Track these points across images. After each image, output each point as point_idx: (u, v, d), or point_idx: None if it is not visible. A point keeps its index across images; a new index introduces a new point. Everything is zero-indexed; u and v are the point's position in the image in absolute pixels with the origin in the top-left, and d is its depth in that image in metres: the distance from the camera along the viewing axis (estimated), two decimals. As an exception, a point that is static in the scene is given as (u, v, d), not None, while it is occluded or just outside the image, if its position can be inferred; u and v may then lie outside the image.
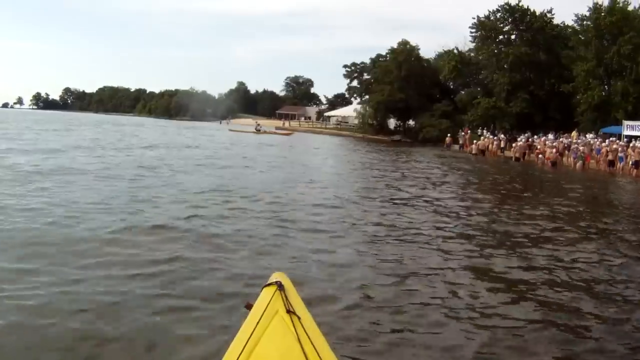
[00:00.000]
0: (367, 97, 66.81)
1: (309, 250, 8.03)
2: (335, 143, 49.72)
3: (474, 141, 40.85)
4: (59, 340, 4.66)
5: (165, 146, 31.61)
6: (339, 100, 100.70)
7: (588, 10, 44.63)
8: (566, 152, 33.41)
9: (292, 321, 2.70)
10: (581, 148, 31.75)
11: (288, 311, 2.76)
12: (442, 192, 16.54)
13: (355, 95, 75.59)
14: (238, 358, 2.50)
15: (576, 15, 46.86)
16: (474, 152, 39.10)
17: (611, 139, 33.88)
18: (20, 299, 5.36)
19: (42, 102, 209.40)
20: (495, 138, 40.60)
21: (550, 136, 38.86)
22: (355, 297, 6.02)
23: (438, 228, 10.29)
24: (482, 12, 51.74)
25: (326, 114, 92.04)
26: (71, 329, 4.84)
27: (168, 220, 9.54)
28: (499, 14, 49.12)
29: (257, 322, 2.69)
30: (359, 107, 66.78)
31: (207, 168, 19.75)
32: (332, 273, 6.92)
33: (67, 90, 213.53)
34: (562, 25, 49.08)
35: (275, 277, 3.09)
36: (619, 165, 29.43)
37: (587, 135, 37.24)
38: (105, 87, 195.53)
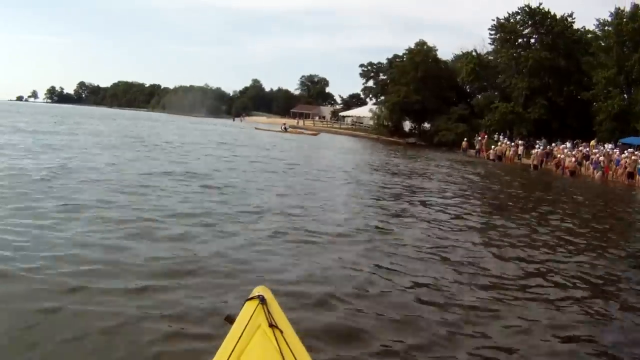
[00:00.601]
0: (382, 97, 66.60)
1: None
2: (355, 144, 49.15)
3: (492, 147, 40.38)
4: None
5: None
6: (353, 101, 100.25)
7: (610, 16, 44.17)
8: (584, 161, 33.05)
9: (275, 335, 2.70)
10: (601, 158, 31.31)
11: (270, 325, 2.76)
12: (467, 202, 16.10)
13: (370, 95, 75.46)
14: None
15: (597, 20, 46.46)
16: (491, 157, 38.70)
17: (629, 150, 33.38)
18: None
19: (57, 96, 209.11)
20: (512, 144, 40.19)
21: (568, 144, 38.30)
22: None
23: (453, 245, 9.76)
24: (502, 15, 51.32)
25: (341, 114, 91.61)
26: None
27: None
28: (519, 16, 48.68)
29: (239, 337, 2.68)
30: (374, 107, 66.49)
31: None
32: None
33: (81, 85, 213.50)
34: (582, 30, 48.59)
35: (257, 290, 3.07)
36: (638, 177, 28.97)
37: (605, 145, 36.71)
38: (120, 82, 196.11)
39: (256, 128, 60.77)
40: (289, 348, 2.64)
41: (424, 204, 14.77)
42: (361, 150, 41.81)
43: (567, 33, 47.60)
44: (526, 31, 49.63)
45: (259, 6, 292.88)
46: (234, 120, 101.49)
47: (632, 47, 41.36)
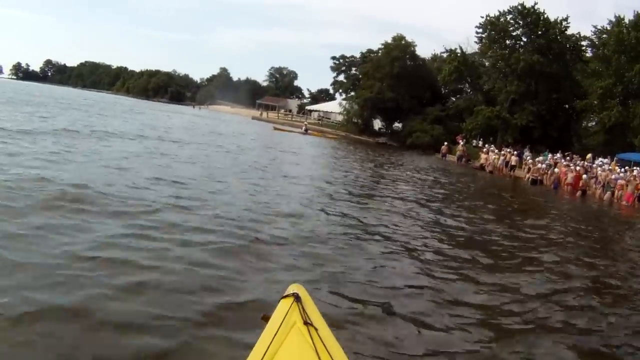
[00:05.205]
0: (353, 93, 60.01)
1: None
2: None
3: (489, 155, 34.01)
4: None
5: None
6: (322, 96, 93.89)
7: (608, 23, 38.78)
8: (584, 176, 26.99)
9: (310, 333, 2.58)
10: (613, 176, 25.43)
11: (305, 323, 2.64)
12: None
13: (340, 90, 68.38)
14: None
15: (594, 26, 41.03)
16: (489, 169, 32.42)
17: (636, 169, 27.73)
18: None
19: (22, 73, 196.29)
20: (502, 153, 33.93)
21: (558, 155, 32.53)
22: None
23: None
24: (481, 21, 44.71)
25: (308, 107, 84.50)
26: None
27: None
28: (510, 15, 42.34)
29: (275, 334, 2.54)
30: (344, 102, 59.07)
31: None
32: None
33: (48, 62, 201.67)
34: (577, 36, 42.33)
35: (292, 288, 2.96)
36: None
37: (602, 160, 31.15)
38: (86, 62, 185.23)
39: (275, 129, 48.64)
40: (324, 346, 2.50)
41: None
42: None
43: (560, 38, 41.67)
44: (516, 32, 43.12)
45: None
46: (193, 107, 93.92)
47: (632, 57, 35.96)
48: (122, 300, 4.66)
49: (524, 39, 43.04)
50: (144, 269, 5.44)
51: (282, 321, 2.63)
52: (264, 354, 2.40)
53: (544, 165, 29.00)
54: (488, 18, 43.06)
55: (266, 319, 2.83)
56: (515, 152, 33.03)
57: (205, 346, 4.15)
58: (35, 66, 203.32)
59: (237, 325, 4.46)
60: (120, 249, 5.89)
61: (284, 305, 2.81)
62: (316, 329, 2.59)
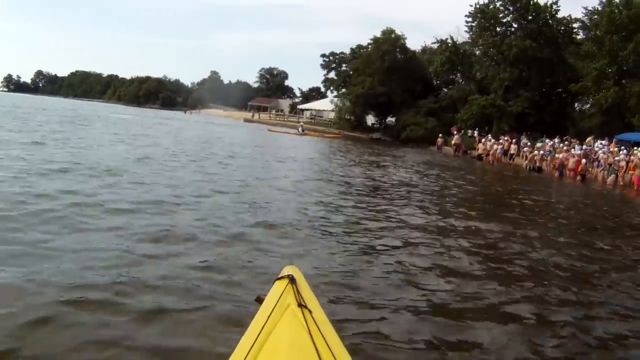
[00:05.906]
0: (344, 90, 59.19)
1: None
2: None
3: (487, 145, 33.10)
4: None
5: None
6: (313, 94, 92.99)
7: (599, 4, 38.02)
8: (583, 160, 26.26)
9: (304, 315, 2.51)
10: (617, 158, 24.72)
11: (299, 305, 2.57)
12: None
13: (331, 88, 67.49)
14: (249, 352, 2.29)
15: (585, 8, 40.38)
16: (489, 159, 31.37)
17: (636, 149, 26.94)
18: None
19: (13, 85, 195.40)
20: (501, 142, 33.14)
21: (556, 140, 31.79)
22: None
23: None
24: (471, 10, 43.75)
25: (300, 106, 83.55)
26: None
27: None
28: (500, 2, 41.35)
29: (269, 316, 2.49)
30: (336, 99, 58.29)
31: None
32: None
33: (39, 73, 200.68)
34: (568, 18, 41.47)
35: (287, 270, 2.89)
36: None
37: (601, 142, 30.42)
38: (77, 71, 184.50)
39: (269, 130, 46.11)
40: (318, 328, 2.43)
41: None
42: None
43: (551, 21, 40.81)
44: (507, 18, 42.17)
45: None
46: (185, 112, 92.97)
47: (625, 36, 35.25)
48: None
49: (515, 25, 42.22)
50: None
51: (277, 303, 2.59)
52: (258, 335, 2.37)
53: (541, 152, 28.18)
54: (477, 6, 42.28)
55: (260, 300, 2.80)
56: (513, 140, 32.26)
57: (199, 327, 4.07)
58: (27, 77, 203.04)
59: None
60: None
61: (278, 286, 2.75)
62: (310, 311, 2.55)
